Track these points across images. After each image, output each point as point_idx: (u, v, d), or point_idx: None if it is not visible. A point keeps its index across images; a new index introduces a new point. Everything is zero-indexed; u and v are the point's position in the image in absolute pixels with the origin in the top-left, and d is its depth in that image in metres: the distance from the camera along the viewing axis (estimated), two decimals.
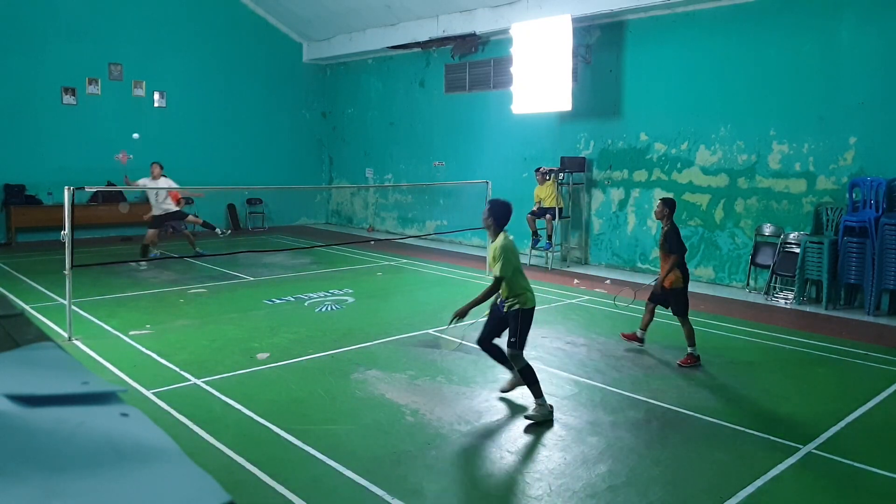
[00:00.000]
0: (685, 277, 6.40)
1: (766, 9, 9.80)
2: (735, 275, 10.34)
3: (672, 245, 6.34)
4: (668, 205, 6.51)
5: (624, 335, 6.96)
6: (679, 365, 6.24)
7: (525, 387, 5.12)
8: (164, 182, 11.29)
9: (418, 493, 3.87)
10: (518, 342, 4.96)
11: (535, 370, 4.95)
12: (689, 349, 6.30)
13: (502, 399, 5.41)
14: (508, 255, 4.92)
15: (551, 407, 4.99)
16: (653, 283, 6.79)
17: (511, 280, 4.96)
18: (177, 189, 11.68)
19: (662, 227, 6.56)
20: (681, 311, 6.39)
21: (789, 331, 7.68)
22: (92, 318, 7.63)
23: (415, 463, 4.25)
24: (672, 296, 6.40)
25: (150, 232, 11.22)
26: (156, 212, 11.28)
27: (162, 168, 11.47)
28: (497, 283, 5.00)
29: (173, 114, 15.78)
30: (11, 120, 13.73)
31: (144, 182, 11.57)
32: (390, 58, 16.28)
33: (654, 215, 6.69)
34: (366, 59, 17.01)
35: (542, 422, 4.88)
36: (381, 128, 16.83)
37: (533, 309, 5.05)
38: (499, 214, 5.09)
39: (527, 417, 4.93)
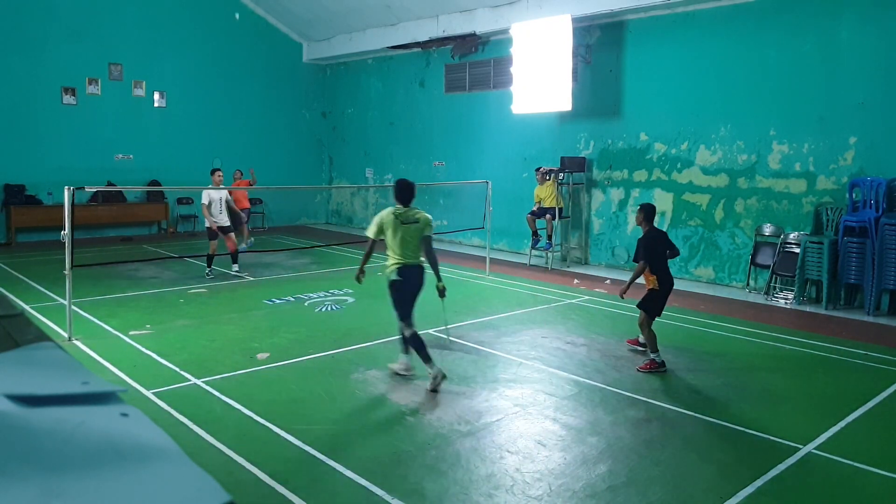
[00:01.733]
0: (662, 283, 6.17)
1: (766, 9, 9.80)
2: (735, 275, 10.34)
3: (640, 252, 6.20)
4: (644, 210, 6.33)
5: (629, 341, 6.87)
6: (639, 370, 6.07)
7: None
8: (225, 192, 10.49)
9: (418, 493, 3.87)
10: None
11: (536, 370, 4.97)
12: (652, 355, 6.13)
13: (502, 399, 5.40)
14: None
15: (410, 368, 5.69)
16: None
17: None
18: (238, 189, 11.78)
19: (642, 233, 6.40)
20: (646, 311, 6.19)
21: (789, 331, 7.68)
22: (92, 318, 7.63)
23: (415, 463, 4.25)
24: (649, 296, 6.25)
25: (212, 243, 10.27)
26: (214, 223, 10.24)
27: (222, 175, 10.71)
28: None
29: (173, 114, 15.78)
30: (11, 120, 13.73)
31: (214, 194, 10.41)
32: (390, 58, 16.28)
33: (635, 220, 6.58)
34: (366, 59, 17.01)
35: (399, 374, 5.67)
36: (381, 128, 16.83)
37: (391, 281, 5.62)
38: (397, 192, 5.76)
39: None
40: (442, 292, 5.72)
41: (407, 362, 5.76)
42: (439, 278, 5.70)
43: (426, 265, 5.69)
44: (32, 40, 13.85)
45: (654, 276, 6.15)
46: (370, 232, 5.68)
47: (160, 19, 15.42)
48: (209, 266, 10.31)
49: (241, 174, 13.23)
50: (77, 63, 14.41)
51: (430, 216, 5.79)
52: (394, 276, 5.52)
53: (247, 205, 13.18)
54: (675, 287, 6.44)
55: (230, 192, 10.96)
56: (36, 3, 13.82)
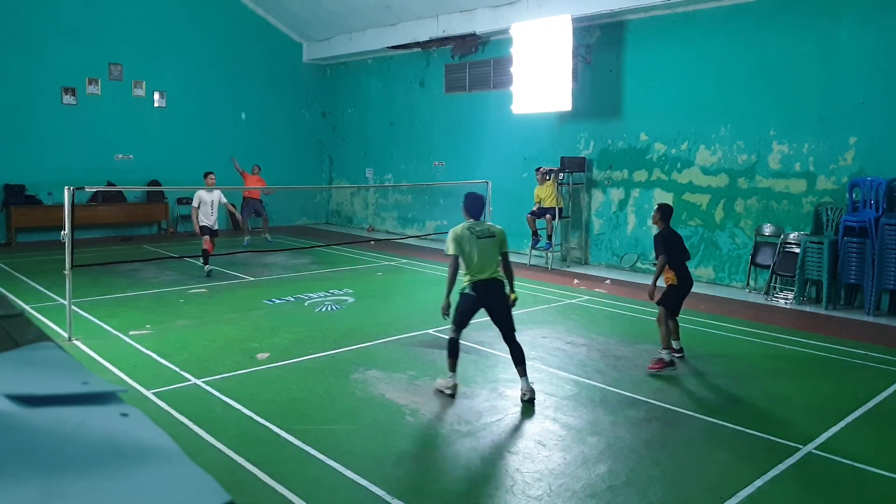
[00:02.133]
0: (681, 279, 6.22)
1: (766, 9, 9.80)
2: (735, 275, 10.34)
3: (658, 248, 6.23)
4: (661, 209, 6.38)
5: (672, 352, 6.42)
6: (648, 369, 6.02)
7: (532, 391, 5.38)
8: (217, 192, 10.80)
9: (418, 493, 3.87)
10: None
11: (536, 370, 4.97)
12: (661, 353, 6.09)
13: (502, 399, 5.40)
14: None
15: (454, 384, 5.44)
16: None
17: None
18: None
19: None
20: (662, 303, 6.20)
21: (789, 331, 7.68)
22: (92, 318, 7.63)
23: (415, 463, 4.25)
24: (668, 291, 6.28)
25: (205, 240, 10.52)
26: (203, 222, 10.61)
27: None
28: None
29: (173, 114, 15.78)
30: (11, 120, 13.73)
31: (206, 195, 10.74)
32: (390, 58, 16.28)
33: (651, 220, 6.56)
34: (366, 59, 17.01)
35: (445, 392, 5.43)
36: (381, 128, 16.83)
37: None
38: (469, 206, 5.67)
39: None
40: (513, 303, 5.56)
41: (453, 381, 5.47)
42: (513, 290, 5.60)
43: (504, 279, 5.52)
44: (32, 40, 13.85)
45: (673, 272, 6.19)
46: (451, 249, 5.41)
47: (160, 19, 15.42)
48: (206, 263, 10.41)
49: (259, 168, 14.45)
50: (77, 63, 14.41)
51: (502, 228, 5.65)
52: (466, 290, 5.40)
53: (257, 195, 14.09)
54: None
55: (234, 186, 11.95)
56: (36, 3, 13.82)
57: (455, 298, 5.45)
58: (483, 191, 11.39)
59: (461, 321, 5.47)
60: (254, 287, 9.75)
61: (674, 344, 6.37)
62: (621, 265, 11.74)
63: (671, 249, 6.21)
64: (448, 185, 14.43)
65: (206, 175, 10.92)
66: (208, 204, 10.61)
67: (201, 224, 10.56)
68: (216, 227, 10.76)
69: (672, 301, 6.25)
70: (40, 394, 0.72)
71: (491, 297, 5.41)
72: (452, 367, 5.44)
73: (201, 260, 10.47)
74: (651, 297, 6.21)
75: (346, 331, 7.31)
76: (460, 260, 5.40)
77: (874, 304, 8.53)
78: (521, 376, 5.38)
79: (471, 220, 5.57)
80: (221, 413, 4.98)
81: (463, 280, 5.42)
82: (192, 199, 15.75)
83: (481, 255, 5.38)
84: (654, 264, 6.40)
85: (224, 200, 10.94)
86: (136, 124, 15.28)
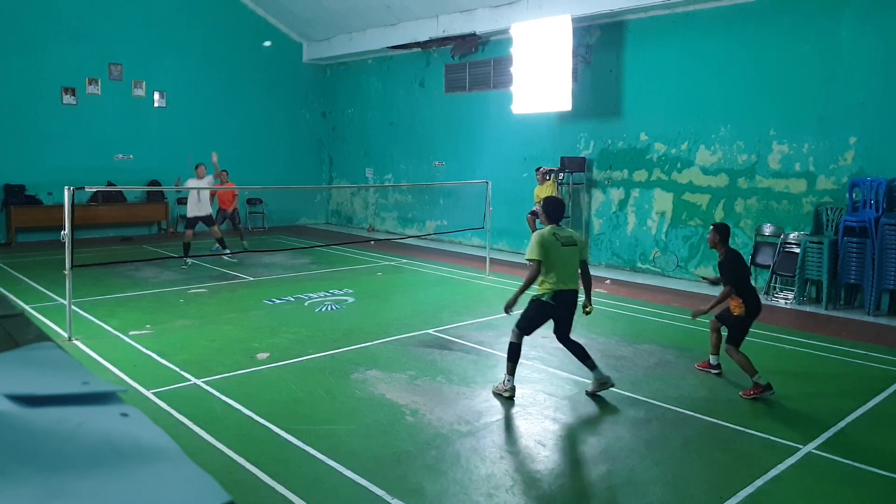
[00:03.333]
0: (750, 309, 5.65)
1: (766, 9, 9.80)
2: None
3: (727, 276, 5.68)
4: (720, 231, 5.83)
5: (699, 366, 6.22)
6: (742, 396, 5.51)
7: (604, 385, 5.45)
8: (207, 182, 11.35)
9: (418, 493, 3.87)
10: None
11: (536, 370, 4.98)
12: (753, 378, 5.53)
13: (502, 399, 5.40)
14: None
15: (512, 388, 5.35)
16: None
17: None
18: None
19: (718, 256, 5.92)
20: (731, 340, 5.65)
21: (789, 331, 7.68)
22: (92, 318, 7.63)
23: (415, 463, 4.25)
24: (734, 322, 5.70)
25: (188, 232, 11.23)
26: (191, 213, 11.30)
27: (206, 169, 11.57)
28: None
29: (173, 114, 15.79)
30: (11, 120, 13.73)
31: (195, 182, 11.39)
32: (390, 58, 16.28)
33: (708, 243, 6.06)
34: (366, 59, 17.02)
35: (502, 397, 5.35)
36: (381, 128, 16.83)
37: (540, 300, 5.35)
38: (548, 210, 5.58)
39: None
40: (588, 314, 5.54)
41: (511, 384, 5.36)
42: (590, 301, 5.55)
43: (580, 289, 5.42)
44: (32, 40, 13.85)
45: (741, 300, 5.62)
46: (536, 254, 5.24)
47: (160, 19, 15.42)
48: (185, 254, 10.80)
49: (227, 174, 12.68)
50: (77, 63, 14.41)
51: (581, 236, 5.57)
52: (547, 299, 5.25)
53: (229, 206, 12.64)
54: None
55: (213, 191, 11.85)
56: (36, 3, 13.82)
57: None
58: (483, 191, 11.47)
59: (530, 329, 5.38)
60: (254, 287, 9.75)
61: (711, 359, 6.11)
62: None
63: (742, 277, 5.68)
64: (448, 185, 14.44)
65: (196, 167, 11.40)
66: (194, 193, 11.14)
67: (197, 215, 11.17)
68: (203, 214, 11.27)
69: (742, 333, 5.66)
70: (40, 394, 0.72)
71: (567, 309, 5.33)
72: (512, 371, 5.35)
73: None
74: (697, 317, 5.89)
75: (346, 331, 7.31)
76: (541, 266, 5.25)
77: (874, 304, 8.53)
78: (591, 369, 5.37)
79: (552, 225, 5.42)
80: (221, 413, 4.98)
81: (541, 287, 5.26)
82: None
83: (565, 263, 5.25)
84: (707, 280, 5.97)
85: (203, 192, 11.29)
86: (136, 124, 15.28)
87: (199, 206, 11.17)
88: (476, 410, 5.14)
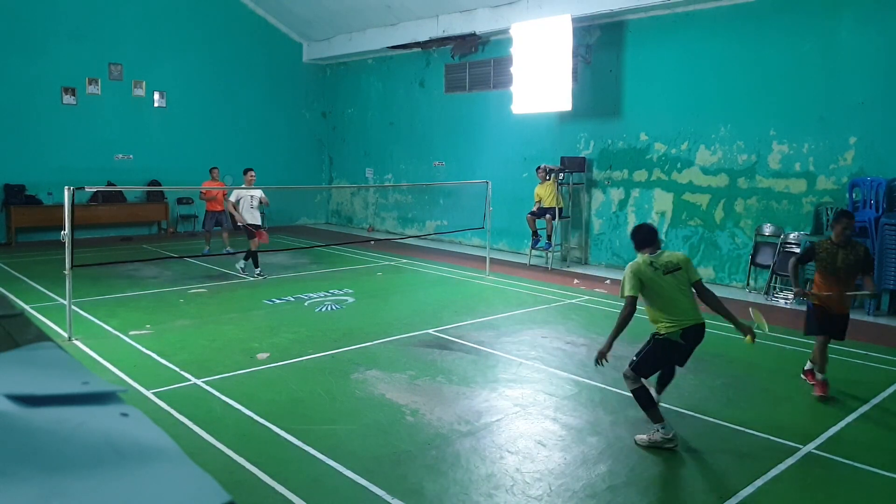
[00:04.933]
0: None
1: (766, 9, 9.80)
2: (735, 275, 10.34)
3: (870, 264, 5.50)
4: (850, 216, 5.59)
5: (811, 380, 5.72)
6: (820, 397, 5.46)
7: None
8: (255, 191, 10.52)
9: (418, 493, 3.87)
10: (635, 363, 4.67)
11: (536, 370, 4.95)
12: (822, 375, 5.56)
13: (502, 399, 5.40)
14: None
15: (673, 435, 4.51)
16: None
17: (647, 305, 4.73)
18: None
19: (846, 248, 5.57)
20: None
21: (789, 331, 7.67)
22: (92, 318, 7.63)
23: (415, 463, 4.25)
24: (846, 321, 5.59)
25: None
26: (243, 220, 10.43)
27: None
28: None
29: (173, 114, 15.79)
30: (11, 120, 13.74)
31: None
32: (390, 58, 16.28)
33: (834, 237, 5.63)
34: (366, 59, 17.01)
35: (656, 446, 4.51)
36: (381, 128, 16.83)
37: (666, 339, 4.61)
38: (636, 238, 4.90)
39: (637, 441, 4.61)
40: (752, 336, 4.71)
41: (662, 431, 4.52)
42: (740, 325, 4.74)
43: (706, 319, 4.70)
44: (32, 40, 13.85)
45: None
46: (629, 289, 4.58)
47: (160, 19, 15.42)
48: (256, 265, 10.30)
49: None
50: (77, 63, 14.41)
51: (685, 254, 4.91)
52: (674, 338, 4.54)
53: (221, 207, 12.14)
54: None
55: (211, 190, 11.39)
56: (36, 3, 13.82)
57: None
58: (483, 191, 11.47)
59: (650, 371, 4.69)
60: (254, 287, 9.75)
61: (819, 376, 5.65)
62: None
63: None
64: (448, 185, 14.44)
65: (245, 171, 10.75)
66: (246, 199, 10.32)
67: (248, 223, 10.30)
68: (257, 222, 10.45)
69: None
70: (40, 394, 0.72)
71: (693, 346, 4.66)
72: (658, 418, 4.54)
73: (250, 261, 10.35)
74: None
75: (346, 331, 7.31)
76: (649, 302, 4.62)
77: (874, 304, 8.53)
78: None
79: (646, 252, 4.71)
80: (221, 413, 4.98)
81: (663, 326, 4.56)
82: (192, 200, 15.90)
83: (676, 293, 4.56)
84: (852, 277, 5.65)
85: (263, 196, 10.53)
86: (136, 124, 15.28)
87: (252, 213, 10.40)
88: (476, 410, 5.14)
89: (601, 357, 4.61)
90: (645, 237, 4.76)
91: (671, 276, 4.58)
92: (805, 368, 5.67)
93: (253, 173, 10.69)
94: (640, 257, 4.70)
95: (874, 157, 8.91)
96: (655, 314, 4.60)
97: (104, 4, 14.67)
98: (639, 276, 4.56)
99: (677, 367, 4.87)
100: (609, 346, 4.60)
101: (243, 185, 10.62)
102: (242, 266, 10.44)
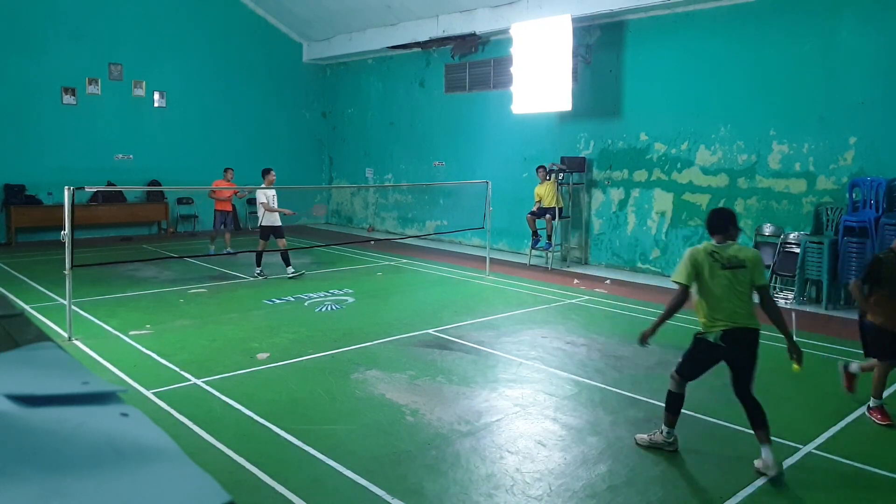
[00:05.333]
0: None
1: (766, 9, 9.80)
2: None
3: None
4: None
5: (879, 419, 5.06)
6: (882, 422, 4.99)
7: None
8: (270, 191, 10.48)
9: (418, 493, 3.87)
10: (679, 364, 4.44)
11: (536, 370, 4.93)
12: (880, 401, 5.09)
13: (502, 399, 5.40)
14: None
15: (674, 439, 4.41)
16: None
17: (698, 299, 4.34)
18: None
19: None
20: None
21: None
22: (92, 318, 7.63)
23: (415, 463, 4.25)
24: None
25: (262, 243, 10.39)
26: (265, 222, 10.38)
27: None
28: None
29: (173, 114, 15.79)
30: (11, 120, 13.74)
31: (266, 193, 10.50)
32: (390, 58, 16.28)
33: None
34: (366, 59, 17.02)
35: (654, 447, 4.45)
36: (381, 128, 16.83)
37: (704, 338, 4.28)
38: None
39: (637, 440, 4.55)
40: (799, 359, 4.31)
41: (665, 434, 4.44)
42: (793, 346, 4.31)
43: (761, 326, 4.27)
44: (32, 40, 13.85)
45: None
46: (682, 276, 4.20)
47: (160, 19, 15.43)
48: (258, 264, 10.31)
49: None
50: (77, 63, 14.41)
51: (758, 253, 4.40)
52: (714, 339, 4.16)
53: (230, 206, 12.33)
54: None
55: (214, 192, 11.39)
56: (36, 3, 13.83)
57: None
58: (483, 191, 11.47)
59: (693, 374, 4.36)
60: (254, 287, 9.75)
61: (873, 402, 5.14)
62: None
63: None
64: (448, 185, 14.44)
65: (266, 172, 10.61)
66: (272, 200, 10.34)
67: (273, 224, 10.32)
68: (279, 224, 10.44)
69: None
70: (40, 394, 0.72)
71: (742, 353, 4.19)
72: (672, 423, 4.38)
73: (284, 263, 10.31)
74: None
75: (346, 331, 7.31)
76: (697, 295, 4.23)
77: None
78: (762, 443, 4.10)
79: (716, 238, 4.28)
80: (221, 413, 4.98)
81: (703, 323, 4.25)
82: (192, 200, 15.90)
83: (728, 291, 4.13)
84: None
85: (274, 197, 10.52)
86: (136, 124, 15.28)
87: (275, 214, 10.39)
88: (476, 410, 5.14)
89: (643, 338, 4.41)
90: (715, 223, 4.30)
91: (730, 272, 4.14)
92: (871, 405, 5.10)
93: (274, 174, 10.61)
94: (704, 243, 4.31)
95: (874, 157, 8.91)
96: (700, 308, 4.26)
97: (104, 4, 14.68)
98: (693, 263, 4.18)
99: (752, 406, 4.18)
100: (653, 329, 4.37)
101: (263, 185, 10.49)
102: (259, 271, 10.35)
